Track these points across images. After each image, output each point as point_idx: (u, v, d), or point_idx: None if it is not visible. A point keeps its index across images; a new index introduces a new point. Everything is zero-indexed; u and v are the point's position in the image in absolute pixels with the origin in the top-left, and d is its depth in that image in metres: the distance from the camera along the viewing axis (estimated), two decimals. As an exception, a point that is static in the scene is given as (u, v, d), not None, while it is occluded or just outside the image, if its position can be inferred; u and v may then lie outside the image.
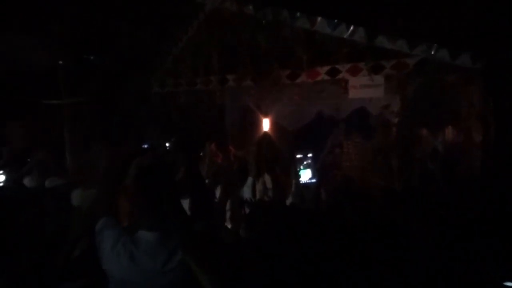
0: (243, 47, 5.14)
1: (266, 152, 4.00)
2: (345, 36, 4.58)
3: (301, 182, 3.60)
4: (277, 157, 4.23)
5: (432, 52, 4.26)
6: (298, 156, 3.73)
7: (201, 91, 5.82)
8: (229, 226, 2.68)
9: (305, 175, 3.68)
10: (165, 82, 6.07)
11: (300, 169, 3.66)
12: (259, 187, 3.64)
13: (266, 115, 6.09)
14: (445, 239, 2.35)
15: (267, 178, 3.76)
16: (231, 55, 5.28)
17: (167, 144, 4.73)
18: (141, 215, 1.95)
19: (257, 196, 3.47)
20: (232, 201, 2.74)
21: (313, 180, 3.63)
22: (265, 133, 5.29)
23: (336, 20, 4.57)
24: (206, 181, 3.16)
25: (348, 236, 2.18)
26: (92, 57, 5.78)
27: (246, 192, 3.33)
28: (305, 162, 3.71)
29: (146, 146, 4.69)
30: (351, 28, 4.51)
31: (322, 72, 5.00)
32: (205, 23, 5.45)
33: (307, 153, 3.74)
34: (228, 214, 2.73)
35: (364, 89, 4.80)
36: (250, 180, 3.37)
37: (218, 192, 2.92)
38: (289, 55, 5.00)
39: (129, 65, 5.65)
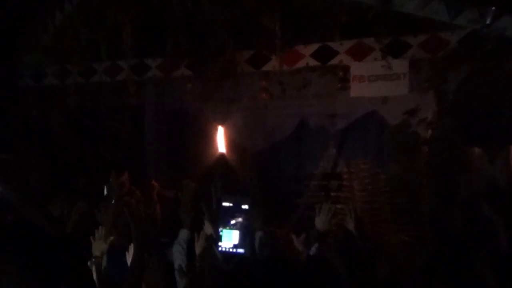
0: (174, 13, 4.88)
1: (220, 186, 3.89)
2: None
3: (220, 249, 3.38)
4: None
5: (488, 22, 4.02)
6: (225, 204, 3.49)
7: (104, 84, 5.52)
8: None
9: (229, 240, 3.42)
10: (42, 70, 5.76)
11: (221, 230, 3.46)
12: (200, 244, 3.42)
13: (218, 126, 5.78)
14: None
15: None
16: (155, 26, 5.00)
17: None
18: None
19: (199, 261, 3.31)
20: (152, 268, 2.68)
21: (240, 251, 3.42)
22: (222, 155, 5.30)
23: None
24: (111, 239, 3.27)
25: None
26: None
27: (178, 254, 3.26)
28: (232, 221, 3.46)
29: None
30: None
31: (306, 53, 4.75)
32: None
33: (239, 204, 3.50)
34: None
35: (375, 82, 4.55)
36: (184, 233, 3.31)
37: (130, 253, 3.01)
38: (252, 26, 4.73)
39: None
